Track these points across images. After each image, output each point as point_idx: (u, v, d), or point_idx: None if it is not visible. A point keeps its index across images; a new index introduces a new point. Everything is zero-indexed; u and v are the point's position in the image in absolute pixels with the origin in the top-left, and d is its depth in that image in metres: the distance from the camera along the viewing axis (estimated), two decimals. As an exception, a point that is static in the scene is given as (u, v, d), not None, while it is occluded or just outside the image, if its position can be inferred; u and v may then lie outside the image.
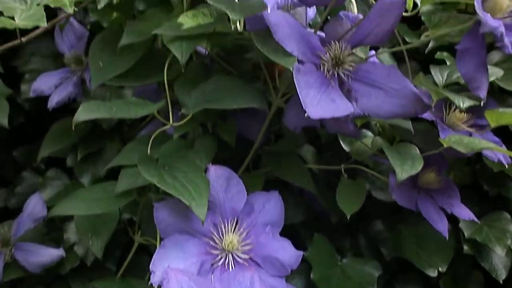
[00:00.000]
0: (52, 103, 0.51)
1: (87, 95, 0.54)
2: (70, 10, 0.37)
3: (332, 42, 0.38)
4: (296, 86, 0.35)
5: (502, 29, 0.29)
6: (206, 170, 0.39)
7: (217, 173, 0.39)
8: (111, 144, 0.54)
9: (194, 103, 0.40)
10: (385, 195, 0.51)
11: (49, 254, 0.47)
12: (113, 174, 0.43)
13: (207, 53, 0.48)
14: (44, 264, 0.48)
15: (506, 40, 0.30)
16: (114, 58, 0.43)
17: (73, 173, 0.55)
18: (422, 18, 0.50)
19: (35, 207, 0.49)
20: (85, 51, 0.54)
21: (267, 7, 0.31)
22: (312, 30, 0.42)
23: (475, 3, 0.29)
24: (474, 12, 0.31)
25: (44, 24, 0.34)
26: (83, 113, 0.35)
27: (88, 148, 0.54)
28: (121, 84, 0.48)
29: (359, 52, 0.40)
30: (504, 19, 0.31)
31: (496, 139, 0.43)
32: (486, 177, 0.54)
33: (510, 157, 0.43)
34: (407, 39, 0.57)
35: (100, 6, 0.39)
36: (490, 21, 0.29)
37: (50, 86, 0.52)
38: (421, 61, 0.57)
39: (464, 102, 0.33)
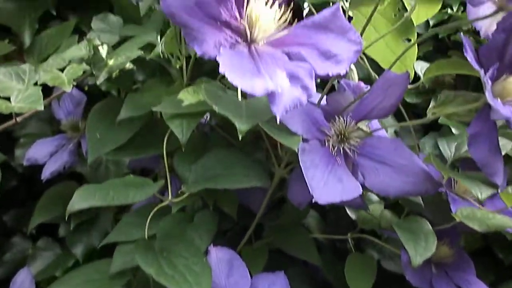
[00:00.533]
0: (45, 174, 0.49)
1: (83, 161, 0.52)
2: (68, 88, 0.36)
3: (336, 117, 0.38)
4: (302, 167, 0.34)
5: (514, 116, 0.28)
6: (206, 251, 0.37)
7: (218, 256, 0.36)
8: (105, 212, 0.52)
9: (194, 179, 0.39)
10: (395, 265, 0.48)
11: None
12: (108, 245, 0.41)
13: (206, 122, 0.47)
14: None
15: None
16: (112, 129, 0.42)
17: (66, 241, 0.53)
18: (423, 82, 0.50)
19: (22, 284, 0.46)
20: (83, 115, 0.53)
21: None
22: (316, 100, 0.41)
23: (486, 93, 0.29)
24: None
25: (41, 108, 0.33)
26: (78, 202, 0.33)
27: (81, 217, 0.51)
28: (119, 158, 0.46)
29: (363, 125, 0.39)
30: (514, 102, 0.31)
31: (510, 210, 0.42)
32: (500, 243, 0.52)
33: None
34: (408, 100, 0.57)
35: (100, 81, 0.39)
36: (502, 110, 0.28)
37: (45, 154, 0.50)
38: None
39: (482, 193, 0.32)
